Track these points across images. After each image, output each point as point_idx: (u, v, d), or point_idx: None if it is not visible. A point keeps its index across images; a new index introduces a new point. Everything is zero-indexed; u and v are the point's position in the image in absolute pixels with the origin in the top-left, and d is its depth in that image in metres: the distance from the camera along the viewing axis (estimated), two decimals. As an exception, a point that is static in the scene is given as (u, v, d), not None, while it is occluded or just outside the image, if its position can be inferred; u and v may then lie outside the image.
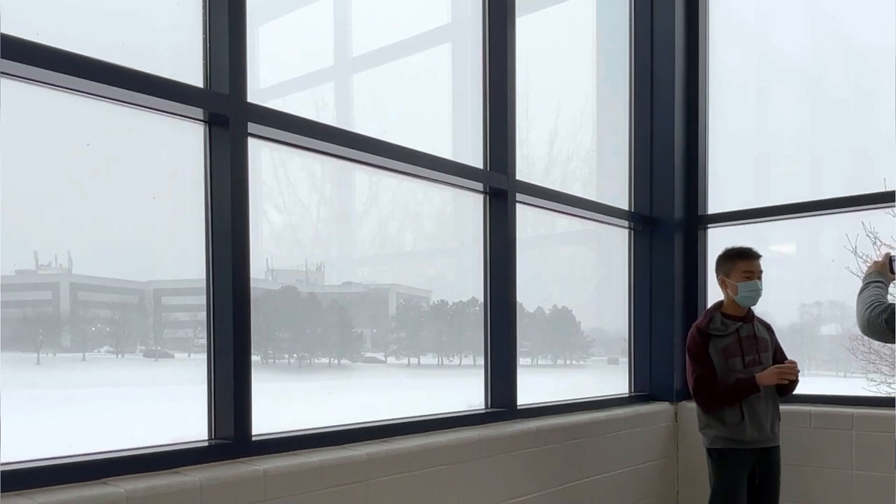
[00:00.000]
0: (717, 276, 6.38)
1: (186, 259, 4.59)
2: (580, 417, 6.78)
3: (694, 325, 6.44)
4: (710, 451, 6.34)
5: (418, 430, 5.50)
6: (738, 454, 6.20)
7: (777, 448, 6.31)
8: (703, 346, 6.24)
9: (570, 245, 8.53)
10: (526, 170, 6.69)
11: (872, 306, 5.33)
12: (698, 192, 8.24)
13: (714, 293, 7.96)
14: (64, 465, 3.73)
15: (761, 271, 6.23)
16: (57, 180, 4.16)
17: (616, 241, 8.25)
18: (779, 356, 6.37)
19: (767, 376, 6.07)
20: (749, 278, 6.16)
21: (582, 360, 8.17)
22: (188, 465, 4.15)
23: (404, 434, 5.38)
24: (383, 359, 6.16)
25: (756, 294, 6.20)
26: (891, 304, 5.26)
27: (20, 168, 3.85)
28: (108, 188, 4.36)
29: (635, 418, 7.40)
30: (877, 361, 7.89)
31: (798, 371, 6.08)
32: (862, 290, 5.58)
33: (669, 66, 8.13)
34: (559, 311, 7.79)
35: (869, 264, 6.00)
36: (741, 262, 6.21)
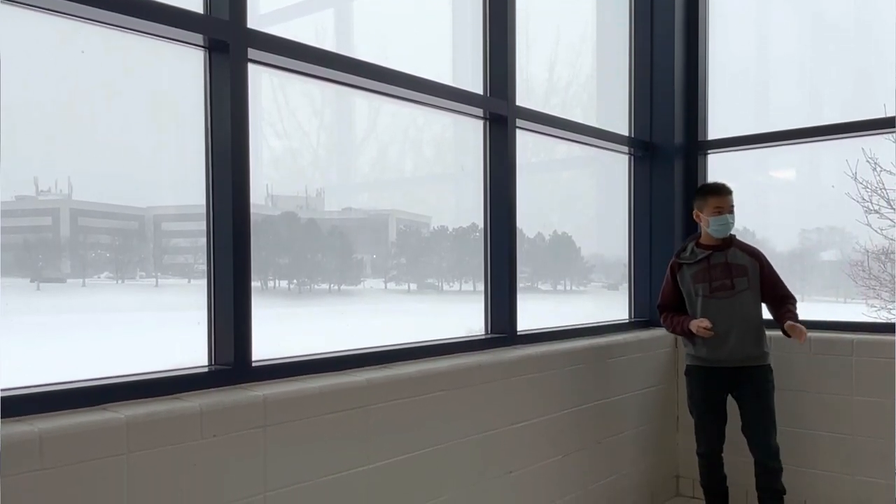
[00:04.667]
0: (693, 211, 6.71)
1: (186, 184, 4.58)
2: (580, 343, 6.81)
3: None
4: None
5: (418, 356, 5.52)
6: (699, 371, 6.70)
7: (755, 368, 6.49)
8: (670, 275, 6.83)
9: (570, 171, 8.52)
10: (526, 95, 6.66)
11: None
12: (698, 117, 8.22)
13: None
14: (64, 391, 3.73)
15: (732, 206, 6.51)
16: (56, 106, 4.14)
17: (616, 167, 8.23)
18: (767, 286, 6.51)
19: (693, 325, 6.47)
20: (720, 213, 6.47)
21: (582, 286, 8.19)
22: (188, 391, 4.17)
23: (404, 360, 5.40)
24: (383, 285, 6.17)
25: (725, 227, 6.50)
26: None
27: (20, 94, 3.83)
28: (108, 114, 4.34)
29: (635, 344, 7.43)
30: (877, 287, 7.89)
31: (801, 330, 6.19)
32: None
33: (670, -10, 8.08)
34: (559, 236, 7.79)
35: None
36: (712, 198, 6.53)
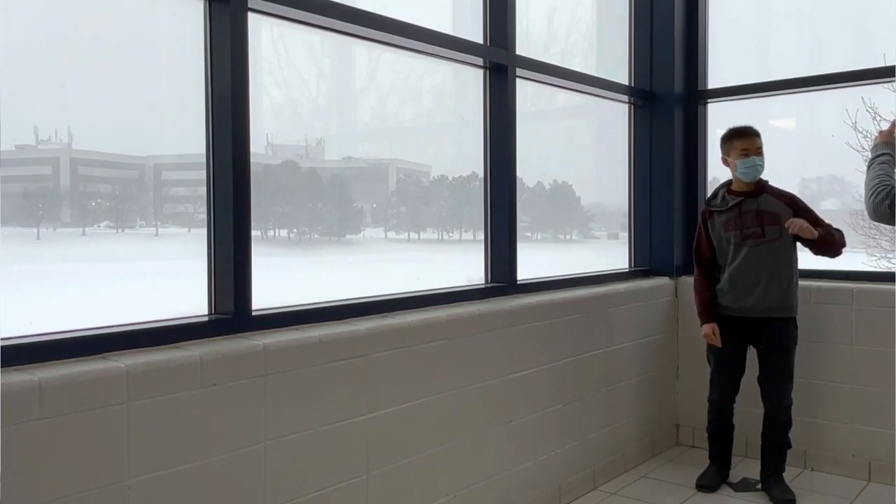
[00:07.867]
0: (721, 157, 6.61)
1: (186, 134, 4.57)
2: (580, 292, 6.82)
3: None
4: None
5: (418, 305, 5.53)
6: (720, 320, 6.66)
7: (779, 321, 6.46)
8: (702, 223, 6.74)
9: (569, 120, 8.50)
10: (525, 44, 6.63)
11: (875, 192, 5.24)
12: (698, 66, 8.18)
13: (713, 167, 8.00)
14: (64, 340, 3.73)
15: (759, 147, 6.41)
16: (56, 55, 4.13)
17: (616, 116, 8.21)
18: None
19: (706, 329, 6.67)
20: (746, 155, 6.39)
21: (582, 235, 8.19)
22: (188, 339, 4.17)
23: (404, 309, 5.40)
24: (383, 234, 6.17)
25: (753, 170, 6.41)
26: (893, 187, 5.19)
27: (20, 43, 3.82)
28: (108, 63, 4.32)
29: (636, 293, 7.45)
30: (877, 236, 7.91)
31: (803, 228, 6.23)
32: (869, 167, 5.52)
33: (671, -63, 8.03)
34: (559, 186, 7.78)
35: (875, 136, 5.96)
36: (738, 141, 6.44)
